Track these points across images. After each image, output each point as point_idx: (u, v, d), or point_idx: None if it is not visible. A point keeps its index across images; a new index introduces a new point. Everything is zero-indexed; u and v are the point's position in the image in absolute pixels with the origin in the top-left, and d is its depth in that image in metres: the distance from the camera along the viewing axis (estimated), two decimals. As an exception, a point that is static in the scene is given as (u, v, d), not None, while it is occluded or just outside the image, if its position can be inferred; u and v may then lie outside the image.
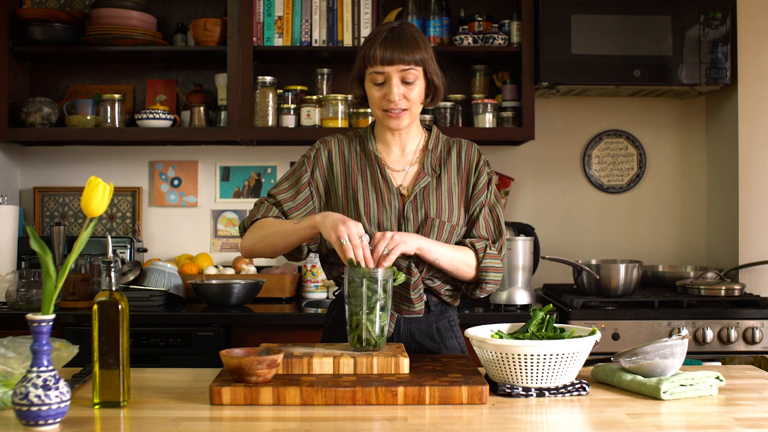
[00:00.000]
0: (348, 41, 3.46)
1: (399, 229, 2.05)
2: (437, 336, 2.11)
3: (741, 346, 3.06)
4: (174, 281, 3.29)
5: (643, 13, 3.37)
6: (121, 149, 3.75)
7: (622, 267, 3.23)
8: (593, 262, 3.39)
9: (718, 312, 3.09)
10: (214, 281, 3.27)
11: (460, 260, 2.04)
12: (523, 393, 1.73)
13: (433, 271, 2.06)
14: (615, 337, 3.03)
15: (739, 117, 3.47)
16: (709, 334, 3.04)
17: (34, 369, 1.50)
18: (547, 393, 1.74)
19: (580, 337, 1.80)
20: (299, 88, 3.56)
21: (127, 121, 3.64)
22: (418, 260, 2.03)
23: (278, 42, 3.46)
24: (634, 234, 3.81)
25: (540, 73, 3.38)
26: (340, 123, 3.45)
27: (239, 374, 1.69)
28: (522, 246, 3.28)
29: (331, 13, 3.47)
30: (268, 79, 3.47)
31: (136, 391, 1.77)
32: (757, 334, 3.05)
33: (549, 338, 1.84)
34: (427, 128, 2.20)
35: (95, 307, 1.64)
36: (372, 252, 1.89)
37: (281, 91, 3.52)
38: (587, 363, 1.88)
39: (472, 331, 1.85)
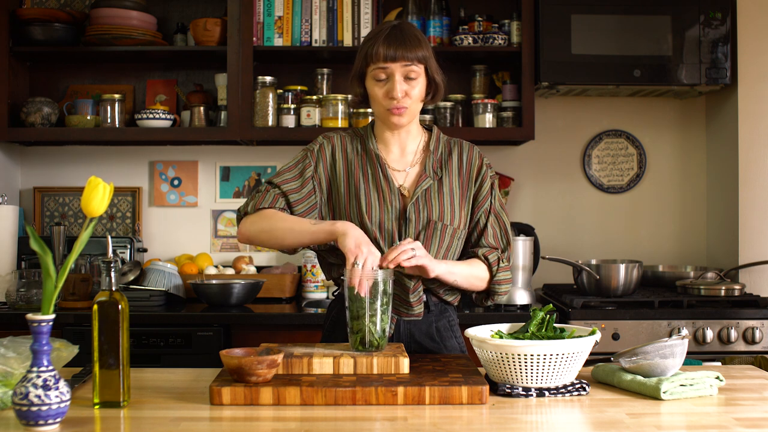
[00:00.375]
0: (348, 41, 3.46)
1: (400, 231, 2.04)
2: (437, 336, 2.11)
3: (741, 346, 3.06)
4: (174, 281, 3.29)
5: (643, 13, 3.37)
6: (121, 149, 3.75)
7: (622, 267, 3.23)
8: (593, 262, 3.39)
9: (718, 312, 3.09)
10: (214, 281, 3.27)
11: (475, 276, 2.07)
12: (523, 393, 1.73)
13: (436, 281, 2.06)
14: (615, 337, 3.03)
15: (739, 117, 3.47)
16: (709, 334, 3.04)
17: (34, 369, 1.50)
18: (547, 393, 1.74)
19: (580, 337, 1.80)
20: (299, 88, 3.56)
21: (127, 121, 3.64)
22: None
23: (278, 42, 3.46)
24: (634, 234, 3.81)
25: (540, 73, 3.38)
26: (340, 123, 3.45)
27: (239, 374, 1.69)
28: (522, 246, 3.28)
29: (331, 13, 3.47)
30: (268, 79, 3.47)
31: (136, 391, 1.77)
32: (757, 334, 3.05)
33: (549, 338, 1.84)
34: (427, 128, 2.19)
35: (95, 307, 1.64)
36: (390, 251, 1.90)
37: (281, 91, 3.53)
38: (587, 363, 1.88)
39: (472, 331, 1.85)
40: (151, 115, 3.47)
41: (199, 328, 3.03)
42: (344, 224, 1.92)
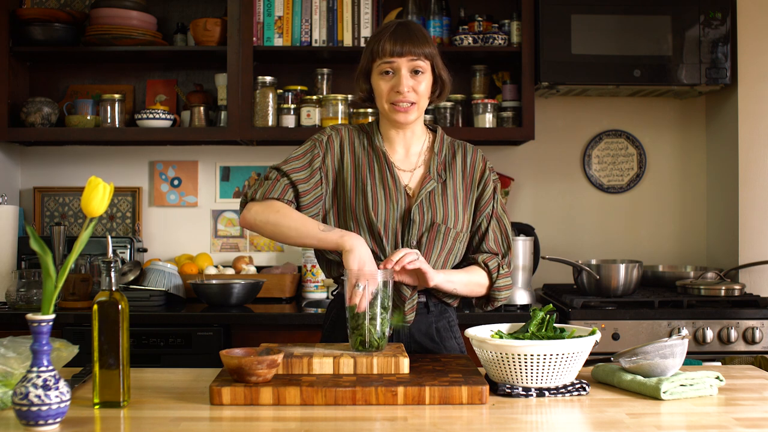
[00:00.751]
0: (348, 41, 3.46)
1: (404, 230, 2.04)
2: (437, 336, 2.11)
3: (741, 346, 3.06)
4: (174, 281, 3.29)
5: (643, 13, 3.37)
6: (121, 149, 3.75)
7: (622, 267, 3.23)
8: (593, 262, 3.39)
9: (718, 312, 3.09)
10: (214, 281, 3.27)
11: (474, 283, 2.08)
12: (523, 393, 1.73)
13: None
14: (615, 337, 3.03)
15: (739, 117, 3.47)
16: (709, 334, 3.04)
17: (34, 369, 1.50)
18: (547, 393, 1.74)
19: (580, 337, 1.80)
20: (299, 88, 3.56)
21: (127, 121, 3.64)
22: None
23: (278, 42, 3.46)
24: (634, 234, 3.81)
25: (540, 73, 3.38)
26: (340, 123, 3.45)
27: (239, 374, 1.69)
28: (522, 246, 3.28)
29: (331, 13, 3.47)
30: (268, 79, 3.47)
31: (136, 391, 1.77)
32: (757, 334, 3.05)
33: (549, 338, 1.84)
34: (432, 130, 2.19)
35: (95, 307, 1.64)
36: (393, 254, 1.91)
37: (281, 91, 3.52)
38: (587, 363, 1.88)
39: (472, 331, 1.85)
40: (151, 115, 3.47)
41: (199, 328, 3.03)
42: (352, 240, 1.91)
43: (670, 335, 3.03)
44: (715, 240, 3.72)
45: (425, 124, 2.19)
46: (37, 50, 3.47)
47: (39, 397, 1.48)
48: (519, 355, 1.71)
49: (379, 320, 1.86)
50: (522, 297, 3.24)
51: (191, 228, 3.76)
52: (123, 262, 3.36)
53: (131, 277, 3.23)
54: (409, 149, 2.13)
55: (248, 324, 3.08)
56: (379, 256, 2.02)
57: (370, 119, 3.44)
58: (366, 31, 3.46)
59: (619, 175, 3.80)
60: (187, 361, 2.92)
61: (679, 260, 3.80)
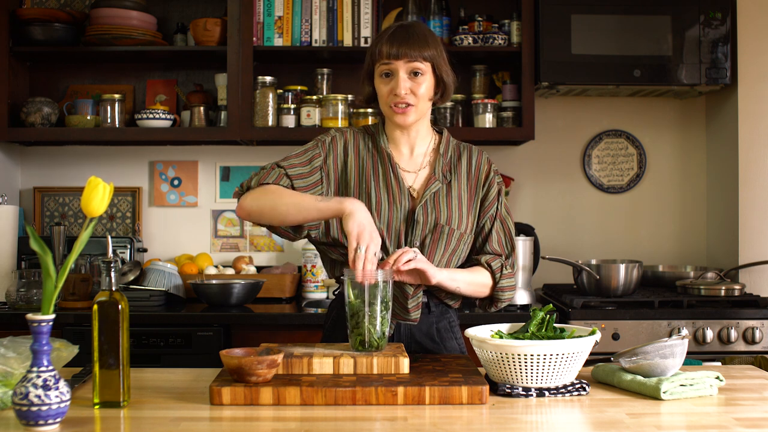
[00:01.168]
0: (348, 41, 3.46)
1: (407, 232, 2.04)
2: (437, 337, 2.11)
3: (741, 346, 3.06)
4: (174, 281, 3.29)
5: (643, 13, 3.37)
6: (121, 149, 3.75)
7: (622, 267, 3.23)
8: (593, 262, 3.39)
9: (718, 312, 3.09)
10: (214, 281, 3.27)
11: (478, 283, 2.08)
12: (523, 393, 1.73)
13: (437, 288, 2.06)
14: (615, 337, 3.03)
15: (739, 117, 3.47)
16: (709, 334, 3.04)
17: (34, 369, 1.50)
18: (547, 393, 1.74)
19: (580, 337, 1.80)
20: (299, 88, 3.56)
21: (127, 121, 3.64)
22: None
23: (278, 42, 3.46)
24: (634, 234, 3.81)
25: (540, 73, 3.38)
26: (340, 123, 3.45)
27: (239, 374, 1.69)
28: (522, 246, 3.28)
29: (331, 13, 3.47)
30: (268, 79, 3.47)
31: (136, 391, 1.77)
32: (757, 334, 3.05)
33: (549, 338, 1.84)
34: (438, 131, 2.18)
35: (95, 307, 1.64)
36: (391, 255, 1.91)
37: (281, 91, 3.52)
38: (587, 363, 1.88)
39: (472, 331, 1.85)
40: (151, 115, 3.47)
41: (199, 328, 3.03)
42: (352, 204, 1.88)
43: (670, 335, 3.03)
44: (715, 240, 3.72)
45: (432, 126, 2.18)
46: (37, 50, 3.47)
47: (39, 397, 1.48)
48: (519, 355, 1.71)
49: (379, 320, 1.86)
50: (522, 297, 3.25)
51: (191, 228, 3.76)
52: (123, 262, 3.36)
53: (131, 277, 3.23)
54: (414, 150, 2.12)
55: (248, 324, 3.08)
56: (381, 257, 2.01)
57: (370, 119, 3.44)
58: (366, 31, 3.46)
59: (619, 175, 3.80)
60: (187, 361, 2.92)
61: (679, 260, 3.80)
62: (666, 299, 3.18)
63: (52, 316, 1.51)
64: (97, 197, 1.59)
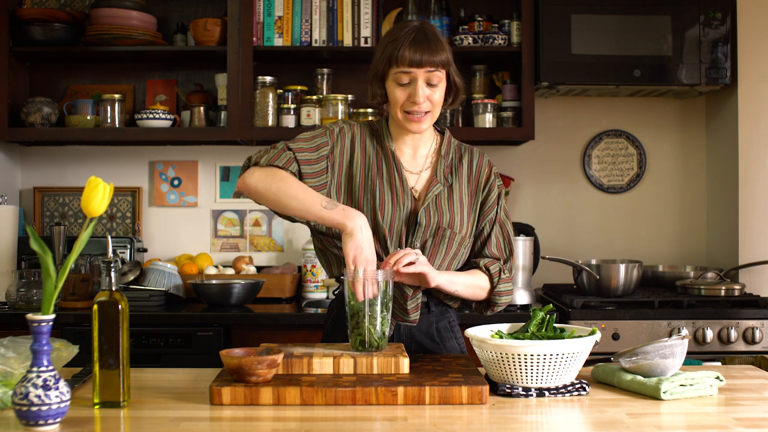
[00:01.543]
0: (348, 41, 3.46)
1: (408, 232, 2.04)
2: (437, 336, 2.11)
3: (741, 346, 3.06)
4: (174, 281, 3.29)
5: (643, 13, 3.37)
6: (121, 149, 3.75)
7: (622, 267, 3.23)
8: (593, 262, 3.39)
9: (718, 312, 3.09)
10: (214, 281, 3.27)
11: (476, 286, 2.07)
12: (523, 393, 1.73)
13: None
14: (615, 337, 3.03)
15: (739, 117, 3.47)
16: (709, 334, 3.04)
17: (34, 369, 1.50)
18: (547, 393, 1.74)
19: (580, 337, 1.80)
20: (299, 88, 3.56)
21: (127, 121, 3.64)
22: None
23: (278, 42, 3.46)
24: (634, 234, 3.81)
25: (540, 73, 3.38)
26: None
27: (239, 374, 1.69)
28: (522, 246, 3.28)
29: (331, 13, 3.47)
30: (268, 79, 3.47)
31: (136, 391, 1.77)
32: (757, 334, 3.05)
33: (549, 338, 1.84)
34: (440, 131, 2.18)
35: (95, 307, 1.64)
36: (392, 254, 1.90)
37: (281, 91, 3.53)
38: (587, 363, 1.87)
39: (472, 331, 1.85)
40: (151, 115, 3.47)
41: (199, 328, 3.03)
42: (354, 221, 1.87)
43: (670, 335, 3.03)
44: (715, 240, 3.72)
45: (433, 126, 2.17)
46: (37, 50, 3.47)
47: (39, 397, 1.48)
48: (519, 355, 1.71)
49: (379, 320, 1.86)
50: (522, 297, 3.25)
51: (191, 228, 3.76)
52: (123, 262, 3.37)
53: (131, 277, 3.23)
54: (417, 151, 2.11)
55: (248, 324, 3.08)
56: (382, 256, 2.01)
57: (370, 119, 3.44)
58: (366, 31, 3.46)
59: (619, 175, 3.80)
60: (187, 361, 2.92)
61: (679, 260, 3.80)
62: (666, 299, 3.18)
63: (52, 316, 1.51)
64: (97, 197, 1.59)
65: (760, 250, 3.46)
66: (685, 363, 2.00)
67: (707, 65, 3.37)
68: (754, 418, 1.60)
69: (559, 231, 3.78)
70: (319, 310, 3.15)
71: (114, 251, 3.39)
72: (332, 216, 1.89)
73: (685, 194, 3.81)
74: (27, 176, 3.75)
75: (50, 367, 1.51)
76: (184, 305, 3.30)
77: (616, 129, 3.80)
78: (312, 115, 3.47)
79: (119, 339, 1.64)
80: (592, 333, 1.79)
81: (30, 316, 1.50)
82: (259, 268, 3.64)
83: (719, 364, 2.57)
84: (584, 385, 1.76)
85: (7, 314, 3.06)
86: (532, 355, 1.71)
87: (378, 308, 1.86)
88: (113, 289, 1.67)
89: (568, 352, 1.72)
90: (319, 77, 3.59)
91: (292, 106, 3.48)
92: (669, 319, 3.07)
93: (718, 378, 1.79)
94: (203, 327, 3.03)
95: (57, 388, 1.50)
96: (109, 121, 3.49)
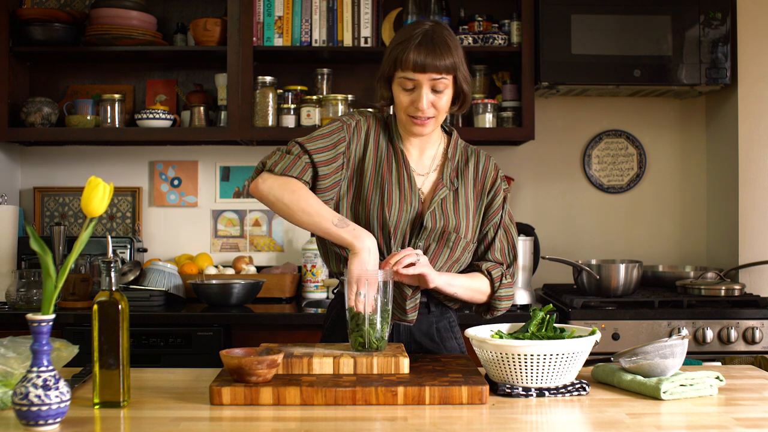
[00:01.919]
0: (348, 41, 3.46)
1: (412, 233, 2.03)
2: (437, 336, 2.11)
3: (741, 346, 3.06)
4: (174, 281, 3.29)
5: (643, 13, 3.37)
6: (121, 149, 3.75)
7: (622, 267, 3.23)
8: (593, 262, 3.39)
9: (718, 312, 3.09)
10: (214, 281, 3.27)
11: (475, 290, 2.07)
12: (523, 393, 1.73)
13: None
14: (615, 337, 3.03)
15: (739, 117, 3.47)
16: (709, 334, 3.04)
17: (34, 369, 1.50)
18: (547, 393, 1.74)
19: (580, 337, 1.80)
20: (299, 88, 3.56)
21: (127, 121, 3.64)
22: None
23: (278, 42, 3.46)
24: (634, 234, 3.81)
25: (540, 73, 3.38)
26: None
27: (239, 374, 1.69)
28: (522, 246, 3.28)
29: (331, 13, 3.47)
30: (268, 79, 3.47)
31: (136, 391, 1.77)
32: (757, 334, 3.05)
33: (549, 338, 1.84)
34: (447, 132, 2.16)
35: (95, 307, 1.64)
36: (393, 254, 1.90)
37: (281, 91, 3.53)
38: (587, 363, 1.87)
39: (472, 331, 1.85)
40: (151, 115, 3.47)
41: (199, 328, 3.03)
42: (363, 243, 1.87)
43: (670, 335, 3.03)
44: (715, 240, 3.72)
45: (441, 126, 2.15)
46: (37, 50, 3.47)
47: (39, 397, 1.48)
48: (519, 355, 1.71)
49: (379, 321, 1.86)
50: (522, 297, 3.25)
51: (191, 228, 3.76)
52: (123, 262, 3.37)
53: (131, 277, 3.23)
54: (424, 152, 2.10)
55: (248, 324, 3.08)
56: (384, 255, 2.01)
57: (375, 114, 3.43)
58: (366, 31, 3.46)
59: (619, 175, 3.80)
60: (187, 361, 2.92)
61: (679, 260, 3.80)
62: (666, 299, 3.18)
63: (52, 316, 1.51)
64: (97, 197, 1.59)
65: (760, 250, 3.46)
66: (685, 363, 2.00)
67: (707, 65, 3.37)
68: (754, 418, 1.60)
69: (559, 231, 3.78)
70: (319, 310, 3.15)
71: (114, 251, 3.39)
72: (342, 235, 1.89)
73: (685, 194, 3.81)
74: (27, 176, 3.75)
75: (50, 367, 1.51)
76: (184, 305, 3.30)
77: (616, 129, 3.80)
78: (312, 115, 3.47)
79: (119, 339, 1.64)
80: (592, 333, 1.79)
81: (30, 316, 1.50)
82: (259, 268, 3.64)
83: (719, 364, 2.57)
84: (584, 385, 1.76)
85: (7, 314, 3.06)
86: (532, 355, 1.71)
87: (378, 310, 1.86)
88: (113, 289, 1.67)
89: (568, 352, 1.72)
90: (319, 77, 3.59)
91: (292, 106, 3.48)
92: (669, 319, 3.07)
93: (718, 378, 1.79)
94: (203, 327, 3.03)
95: (57, 388, 1.50)
96: (109, 121, 3.49)
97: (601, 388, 1.84)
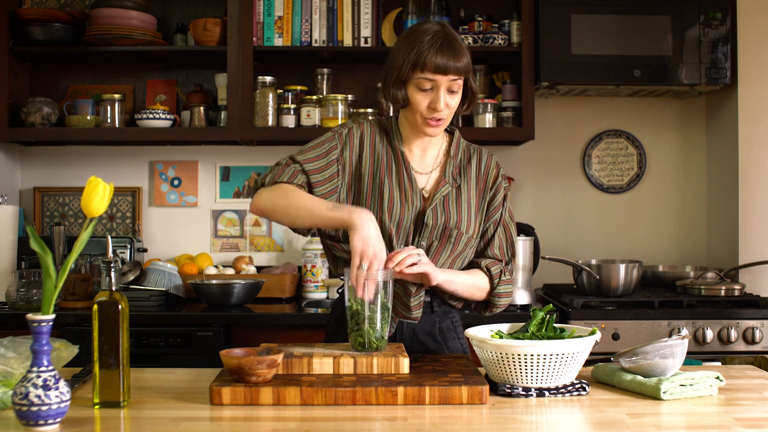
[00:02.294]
0: (348, 41, 3.46)
1: (415, 232, 2.04)
2: (440, 336, 2.11)
3: (741, 346, 3.06)
4: (174, 281, 3.29)
5: (643, 13, 3.37)
6: (121, 149, 3.75)
7: (622, 267, 3.23)
8: (593, 262, 3.39)
9: (718, 312, 3.09)
10: (214, 281, 3.27)
11: (475, 287, 2.07)
12: (523, 393, 1.73)
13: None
14: (615, 337, 3.03)
15: (739, 117, 3.47)
16: (709, 334, 3.04)
17: (34, 369, 1.50)
18: (547, 393, 1.74)
19: (580, 337, 1.80)
20: (299, 88, 3.56)
21: (127, 121, 3.64)
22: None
23: (278, 42, 3.46)
24: (634, 234, 3.81)
25: (540, 73, 3.38)
26: (340, 123, 3.45)
27: (239, 374, 1.69)
28: (522, 246, 3.28)
29: (331, 13, 3.47)
30: (268, 79, 3.47)
31: (136, 391, 1.77)
32: (757, 334, 3.05)
33: (549, 338, 1.84)
34: (449, 132, 2.17)
35: (95, 307, 1.64)
36: (394, 254, 1.89)
37: (281, 91, 3.53)
38: (587, 363, 1.88)
39: (472, 331, 1.85)
40: (151, 115, 3.47)
41: (199, 328, 3.03)
42: (360, 217, 1.86)
43: (670, 335, 3.03)
44: (715, 240, 3.72)
45: None
46: (37, 50, 3.47)
47: (39, 397, 1.48)
48: (519, 355, 1.71)
49: (378, 322, 1.86)
50: (522, 297, 3.25)
51: (191, 228, 3.76)
52: (123, 262, 3.37)
53: (131, 277, 3.23)
54: (427, 151, 2.11)
55: (248, 324, 3.08)
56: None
57: (370, 119, 3.43)
58: (366, 31, 3.46)
59: (619, 175, 3.80)
60: (187, 361, 2.92)
61: (679, 260, 3.80)
62: (666, 299, 3.18)
63: (52, 316, 1.51)
64: (97, 197, 1.59)
65: (760, 250, 3.46)
66: (685, 363, 2.00)
67: (707, 65, 3.37)
68: (754, 418, 1.60)
69: (559, 231, 3.78)
70: (319, 310, 3.15)
71: (114, 251, 3.39)
72: (338, 215, 1.88)
73: (685, 194, 3.82)
74: (27, 176, 3.75)
75: (50, 367, 1.51)
76: (184, 305, 3.30)
77: (616, 129, 3.80)
78: (312, 115, 3.47)
79: (119, 339, 1.65)
80: (592, 333, 1.79)
81: (30, 316, 1.50)
82: (259, 268, 3.64)
83: (719, 364, 2.57)
84: (584, 385, 1.77)
85: (7, 314, 3.06)
86: (532, 355, 1.71)
87: (378, 309, 1.86)
88: (113, 289, 1.67)
89: (568, 352, 1.72)
90: (319, 77, 3.59)
91: (292, 106, 3.48)
92: (669, 319, 3.07)
93: (718, 378, 1.79)
94: (203, 327, 3.03)
95: (57, 388, 1.50)
96: (109, 121, 3.49)
97: (601, 388, 1.84)
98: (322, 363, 1.78)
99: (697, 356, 2.98)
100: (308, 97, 3.51)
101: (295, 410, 1.62)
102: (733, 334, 3.04)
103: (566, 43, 3.35)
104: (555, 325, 1.89)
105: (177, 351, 3.01)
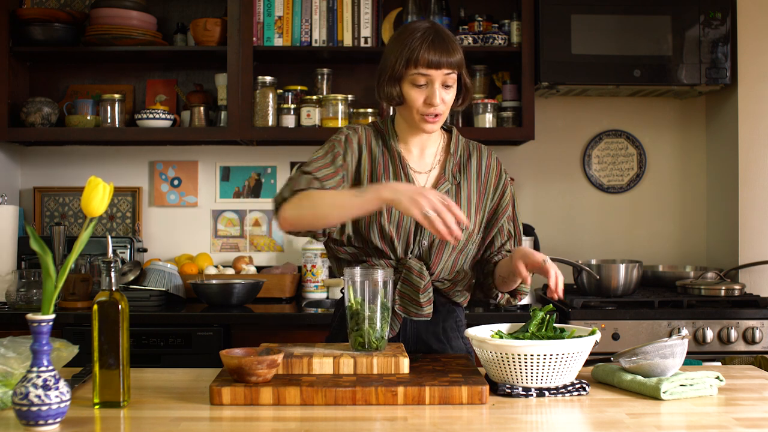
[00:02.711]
0: (348, 41, 3.46)
1: (416, 231, 2.03)
2: (443, 336, 2.11)
3: (741, 346, 3.06)
4: (174, 281, 3.29)
5: (643, 13, 3.37)
6: (121, 149, 3.75)
7: (622, 267, 3.23)
8: (593, 262, 3.39)
9: (718, 312, 3.09)
10: (214, 281, 3.27)
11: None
12: (523, 393, 1.73)
13: (444, 274, 2.06)
14: (615, 337, 3.03)
15: (739, 117, 3.47)
16: (709, 334, 3.04)
17: (34, 369, 1.50)
18: (547, 393, 1.74)
19: (580, 337, 1.80)
20: (299, 88, 3.56)
21: (127, 121, 3.64)
22: (428, 264, 2.04)
23: (278, 42, 3.46)
24: (634, 234, 3.81)
25: (540, 73, 3.38)
26: (340, 123, 3.45)
27: (239, 374, 1.69)
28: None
29: (331, 13, 3.47)
30: (268, 79, 3.47)
31: (136, 391, 1.77)
32: (757, 334, 3.05)
33: (549, 338, 1.84)
34: (447, 130, 2.18)
35: (95, 307, 1.64)
36: (550, 276, 1.88)
37: (281, 91, 3.53)
38: (587, 363, 1.88)
39: (472, 331, 1.85)
40: (151, 115, 3.47)
41: (199, 328, 3.03)
42: (389, 190, 1.82)
43: (670, 335, 3.04)
44: (715, 240, 3.72)
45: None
46: (37, 50, 3.47)
47: (39, 397, 1.48)
48: (519, 355, 1.71)
49: (378, 322, 1.86)
50: (522, 297, 3.24)
51: (191, 228, 3.76)
52: (123, 262, 3.37)
53: (131, 277, 3.23)
54: (425, 150, 2.12)
55: (248, 324, 3.08)
56: (389, 256, 2.03)
57: (369, 119, 3.44)
58: (366, 31, 3.46)
59: (619, 175, 3.80)
60: (187, 361, 2.92)
61: (679, 260, 3.80)
62: (666, 299, 3.18)
63: (52, 316, 1.51)
64: (97, 197, 1.59)
65: (760, 250, 3.46)
66: (685, 363, 2.00)
67: (707, 65, 3.37)
68: (754, 418, 1.60)
69: (559, 231, 3.78)
70: (319, 310, 3.15)
71: (114, 251, 3.39)
72: (368, 198, 1.84)
73: (685, 194, 3.82)
74: (27, 176, 3.75)
75: (50, 367, 1.51)
76: (184, 305, 3.30)
77: (616, 129, 3.80)
78: (312, 115, 3.47)
79: (119, 339, 1.64)
80: (592, 333, 1.79)
81: (30, 316, 1.50)
82: (259, 268, 3.64)
83: (719, 364, 2.57)
84: (584, 385, 1.77)
85: (7, 314, 3.06)
86: (532, 355, 1.71)
87: (378, 309, 1.86)
88: (113, 289, 1.67)
89: (568, 352, 1.72)
90: (319, 77, 3.59)
91: (292, 106, 3.48)
92: (669, 319, 3.07)
93: (718, 378, 1.79)
94: (203, 327, 3.03)
95: (57, 388, 1.50)
96: (109, 121, 3.49)
97: (601, 388, 1.84)
98: (322, 363, 1.78)
99: (697, 356, 2.98)
100: (308, 97, 3.51)
101: (295, 410, 1.62)
102: (733, 334, 3.04)
103: (566, 43, 3.35)
104: (555, 325, 1.89)
105: (177, 351, 3.01)
